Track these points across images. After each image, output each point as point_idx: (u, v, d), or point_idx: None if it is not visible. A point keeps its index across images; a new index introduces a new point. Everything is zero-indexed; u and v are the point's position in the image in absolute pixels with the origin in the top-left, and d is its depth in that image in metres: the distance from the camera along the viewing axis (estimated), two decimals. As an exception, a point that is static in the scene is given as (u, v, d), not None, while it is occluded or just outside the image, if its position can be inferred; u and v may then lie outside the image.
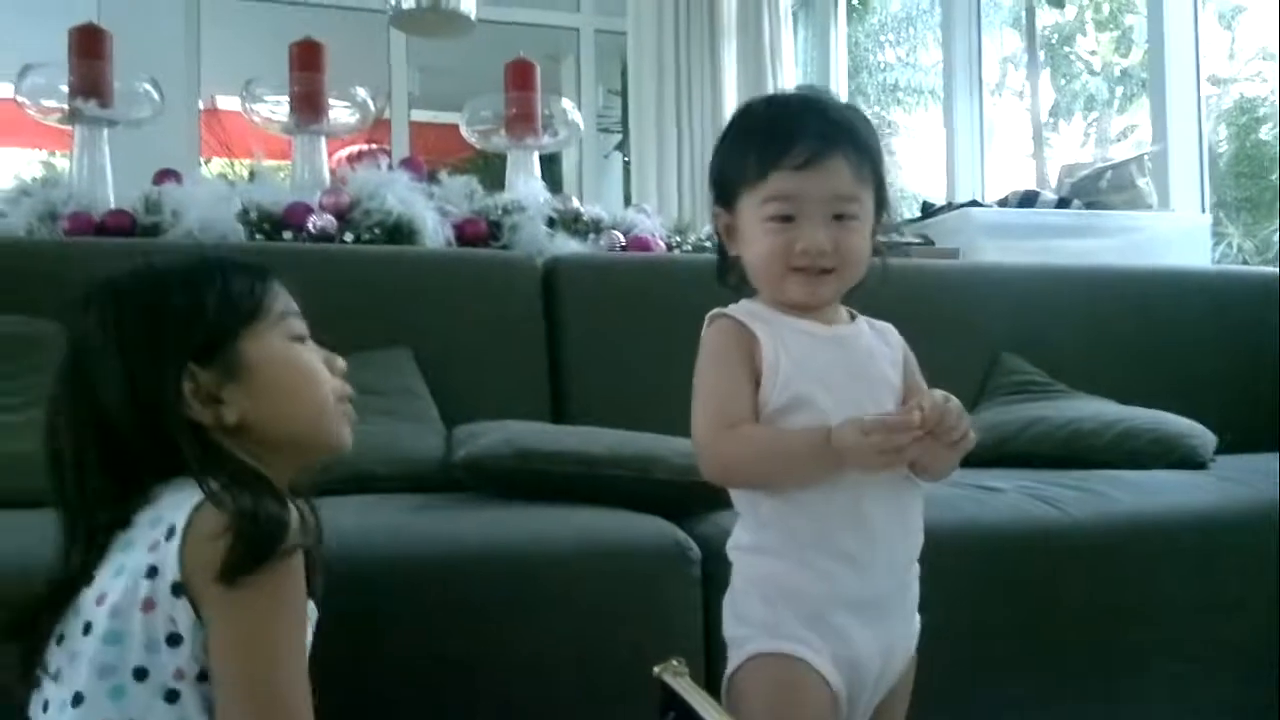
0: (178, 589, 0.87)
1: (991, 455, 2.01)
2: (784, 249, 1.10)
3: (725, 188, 1.16)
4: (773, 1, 4.73)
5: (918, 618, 1.17)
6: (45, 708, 0.92)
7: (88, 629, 0.90)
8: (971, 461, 1.95)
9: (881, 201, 1.15)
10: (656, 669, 0.74)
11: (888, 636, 1.11)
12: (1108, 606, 1.59)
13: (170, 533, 0.89)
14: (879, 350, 1.16)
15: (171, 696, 0.88)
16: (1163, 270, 2.70)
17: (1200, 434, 2.01)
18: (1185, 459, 1.94)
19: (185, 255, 1.06)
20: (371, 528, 1.39)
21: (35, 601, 0.94)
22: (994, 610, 1.54)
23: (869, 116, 1.21)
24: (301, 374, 1.02)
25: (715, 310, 1.16)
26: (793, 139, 1.09)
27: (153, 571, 0.88)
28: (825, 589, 1.08)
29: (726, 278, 1.20)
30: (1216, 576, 1.63)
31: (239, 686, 0.88)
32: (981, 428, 2.04)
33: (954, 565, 1.51)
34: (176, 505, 0.90)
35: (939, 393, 1.06)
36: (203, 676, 0.89)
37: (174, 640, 0.88)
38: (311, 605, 1.00)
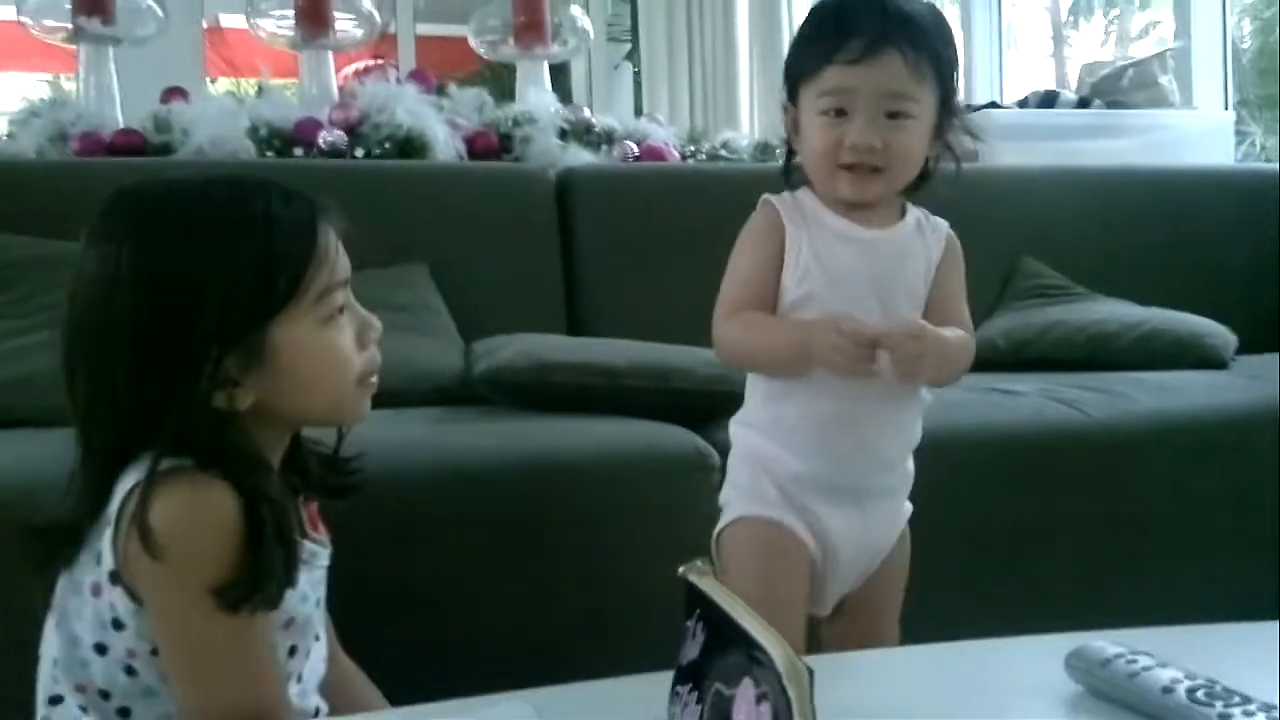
0: (114, 577, 0.86)
1: (1012, 359, 2.01)
2: (834, 144, 1.10)
3: (791, 82, 1.16)
4: (785, -100, 4.59)
5: (907, 505, 1.20)
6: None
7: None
8: (992, 366, 1.97)
9: (948, 103, 1.14)
10: (681, 569, 0.74)
11: (863, 524, 1.15)
12: (1130, 507, 1.60)
13: (107, 519, 0.87)
14: (913, 253, 1.16)
15: (130, 671, 0.88)
16: (1185, 170, 2.66)
17: (1221, 334, 2.00)
18: (1206, 359, 1.94)
19: (227, 186, 0.93)
20: (392, 442, 1.40)
21: (47, 526, 0.92)
22: (1017, 513, 1.55)
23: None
24: (328, 364, 0.94)
25: (766, 195, 1.17)
26: (848, 33, 1.09)
27: (99, 559, 0.88)
28: (801, 470, 1.13)
29: (791, 176, 1.21)
30: (1239, 474, 1.63)
31: (172, 669, 0.87)
32: (1001, 331, 2.06)
33: (976, 468, 1.53)
34: (119, 491, 0.87)
35: (913, 326, 1.07)
36: (157, 651, 0.88)
37: (117, 625, 0.87)
38: (319, 547, 0.98)
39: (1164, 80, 3.05)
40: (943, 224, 1.21)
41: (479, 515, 1.38)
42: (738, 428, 1.20)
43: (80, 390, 0.90)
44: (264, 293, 0.89)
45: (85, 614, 0.89)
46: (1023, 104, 3.10)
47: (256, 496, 0.86)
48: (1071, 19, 5.33)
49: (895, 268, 1.15)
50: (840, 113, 1.10)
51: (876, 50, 1.08)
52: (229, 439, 0.89)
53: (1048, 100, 3.03)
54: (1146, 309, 2.10)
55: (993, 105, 3.17)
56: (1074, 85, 3.27)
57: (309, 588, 0.96)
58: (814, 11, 1.17)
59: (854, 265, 1.13)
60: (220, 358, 0.87)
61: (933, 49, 1.11)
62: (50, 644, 0.93)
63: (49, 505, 0.93)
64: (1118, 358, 1.94)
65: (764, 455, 1.15)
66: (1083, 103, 3.02)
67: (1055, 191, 2.41)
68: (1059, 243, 2.31)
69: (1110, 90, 3.03)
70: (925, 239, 1.18)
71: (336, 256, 0.94)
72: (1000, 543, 1.54)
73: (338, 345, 0.94)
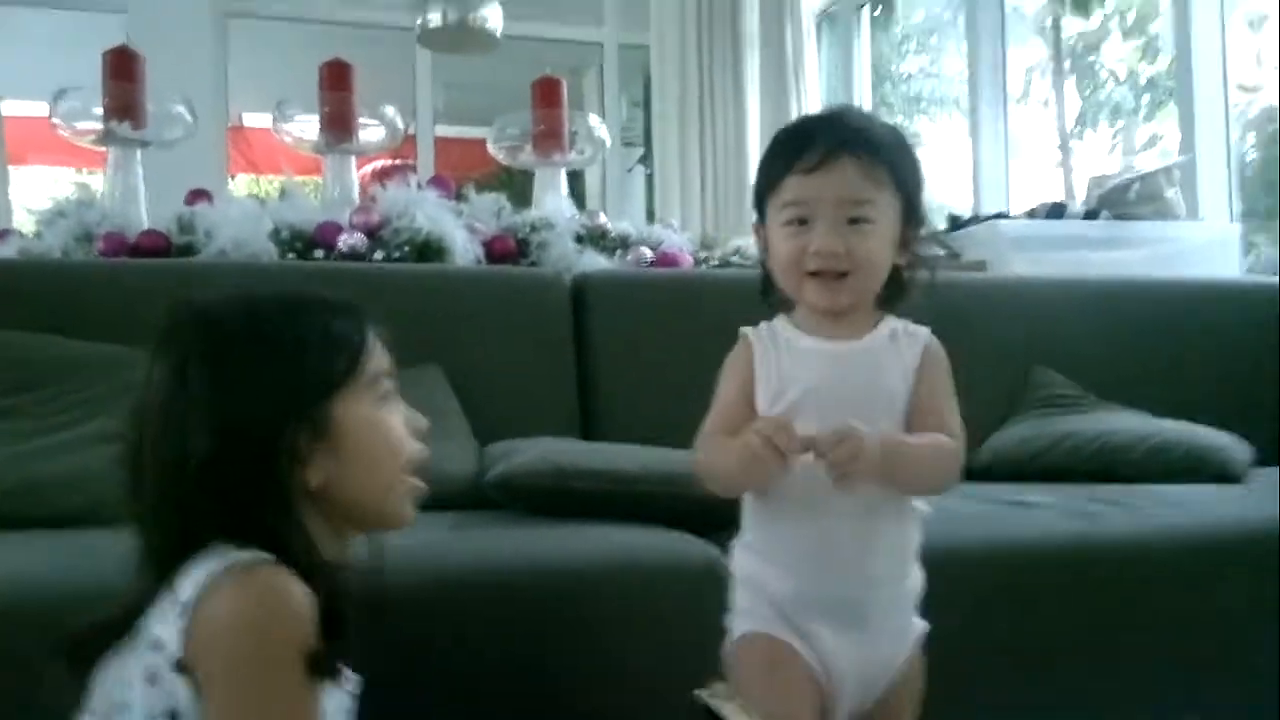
0: (178, 666, 0.86)
1: (1024, 470, 2.01)
2: (798, 252, 1.13)
3: (758, 201, 1.20)
4: (795, 13, 4.72)
5: (916, 624, 1.19)
6: None
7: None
8: (1005, 475, 1.96)
9: (913, 210, 1.16)
10: (697, 691, 0.73)
11: (865, 648, 1.14)
12: (1145, 622, 1.58)
13: (179, 609, 0.87)
14: (886, 363, 1.16)
15: None
16: (1193, 281, 2.68)
17: (1235, 447, 1.99)
18: (1220, 472, 1.92)
19: (285, 293, 1.02)
20: (407, 546, 1.38)
21: (92, 627, 0.93)
22: (1030, 627, 1.53)
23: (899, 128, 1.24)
24: (386, 444, 1.01)
25: (743, 329, 1.21)
26: (804, 145, 1.13)
27: (158, 645, 0.88)
28: (794, 589, 1.13)
29: (769, 295, 1.22)
30: (1255, 591, 1.61)
31: None
32: (1014, 441, 2.06)
33: (988, 582, 1.51)
34: (192, 579, 0.88)
35: (844, 428, 1.05)
36: None
37: (173, 716, 0.87)
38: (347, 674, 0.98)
39: (1170, 193, 3.10)
40: (923, 332, 1.20)
41: (493, 622, 1.37)
42: (737, 550, 1.21)
43: (149, 483, 0.93)
44: (326, 369, 0.97)
45: (133, 705, 0.87)
46: (1031, 214, 3.15)
47: (325, 584, 0.91)
48: (1077, 129, 5.43)
49: (868, 378, 1.15)
50: (803, 222, 1.13)
51: (832, 158, 1.11)
52: (301, 530, 0.93)
53: (1056, 211, 3.08)
54: (1158, 420, 2.10)
55: (1001, 216, 3.22)
56: (1081, 196, 3.33)
57: (341, 714, 0.97)
58: (775, 137, 1.21)
59: (825, 378, 1.14)
60: (293, 434, 0.93)
61: (888, 156, 1.14)
62: None
63: (83, 612, 0.94)
64: (1130, 469, 1.92)
65: (759, 576, 1.16)
66: (1090, 214, 3.07)
67: (1066, 302, 2.43)
68: (1069, 353, 2.33)
69: (1118, 202, 3.07)
70: (900, 347, 1.17)
71: (381, 351, 1.03)
72: (1011, 660, 1.51)
73: (394, 426, 1.02)
